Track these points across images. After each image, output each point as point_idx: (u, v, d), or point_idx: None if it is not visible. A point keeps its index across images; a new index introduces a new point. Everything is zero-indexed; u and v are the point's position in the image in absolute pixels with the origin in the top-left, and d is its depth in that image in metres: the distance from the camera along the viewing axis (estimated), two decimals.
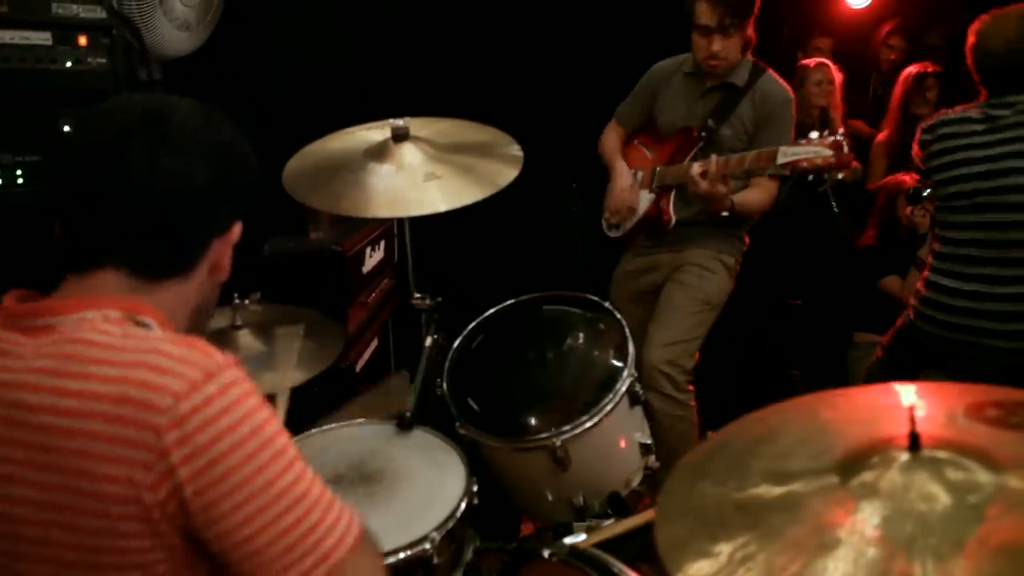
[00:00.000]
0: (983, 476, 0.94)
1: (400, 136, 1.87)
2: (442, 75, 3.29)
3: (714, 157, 2.35)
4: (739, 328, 3.27)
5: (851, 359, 3.63)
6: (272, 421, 0.91)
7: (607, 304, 1.91)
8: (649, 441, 1.83)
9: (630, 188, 2.65)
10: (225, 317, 1.77)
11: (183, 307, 1.03)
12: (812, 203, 3.80)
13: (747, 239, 2.70)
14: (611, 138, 2.79)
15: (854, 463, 1.01)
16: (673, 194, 2.58)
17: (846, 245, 3.79)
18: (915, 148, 2.52)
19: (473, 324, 1.94)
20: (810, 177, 2.25)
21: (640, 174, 2.68)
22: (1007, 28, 2.31)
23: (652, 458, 1.85)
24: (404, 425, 1.74)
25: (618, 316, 1.87)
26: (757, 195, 2.52)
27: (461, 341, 1.91)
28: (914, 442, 0.96)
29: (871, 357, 3.04)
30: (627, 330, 1.82)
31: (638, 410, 1.82)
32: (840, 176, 2.24)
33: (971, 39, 2.40)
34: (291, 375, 1.70)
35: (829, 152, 2.18)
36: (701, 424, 2.55)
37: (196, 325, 1.07)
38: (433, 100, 2.22)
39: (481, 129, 1.98)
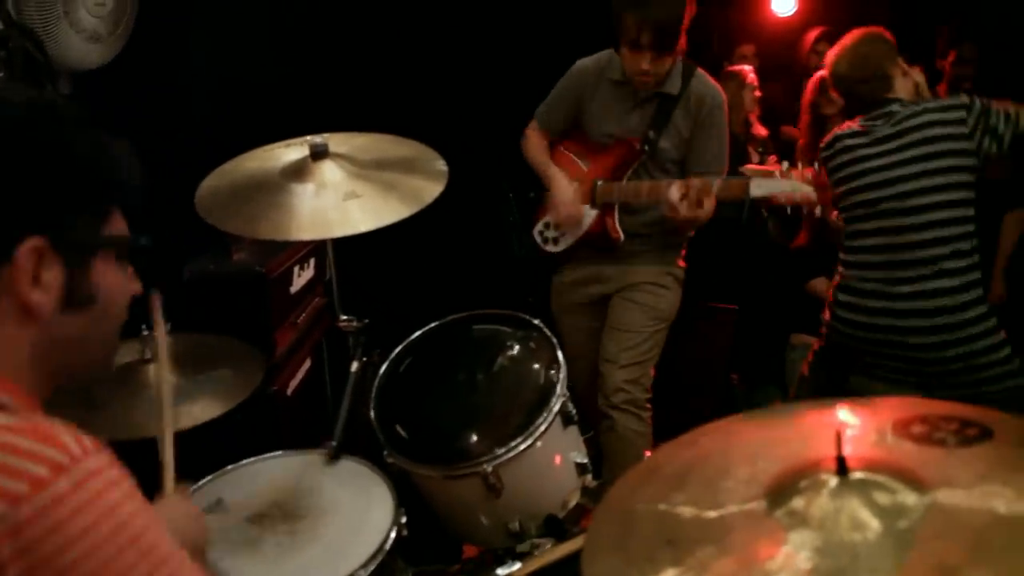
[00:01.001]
0: (911, 498, 0.92)
1: (319, 154, 1.79)
2: (363, 88, 3.19)
3: (695, 183, 2.25)
4: (677, 335, 3.28)
5: (789, 360, 3.69)
6: (141, 515, 0.77)
7: (537, 322, 1.87)
8: (585, 460, 1.79)
9: (574, 201, 2.52)
10: (133, 351, 1.67)
11: (34, 357, 0.85)
12: (743, 208, 3.85)
13: (685, 243, 2.70)
14: (538, 144, 2.65)
15: (784, 489, 0.99)
16: (617, 210, 2.50)
17: (779, 248, 3.85)
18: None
19: (400, 347, 1.88)
20: (788, 211, 2.21)
21: (576, 185, 2.56)
22: (842, 57, 2.51)
23: (589, 477, 1.82)
24: (331, 455, 1.66)
25: (548, 334, 1.83)
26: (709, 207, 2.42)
27: (388, 365, 1.85)
28: (841, 466, 0.94)
29: (806, 360, 3.10)
30: (558, 349, 1.79)
31: (572, 429, 1.78)
32: (818, 211, 2.19)
33: (826, 69, 2.61)
34: (182, 411, 1.58)
35: (810, 190, 2.08)
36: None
37: (74, 371, 0.92)
38: (354, 114, 2.13)
39: (404, 144, 1.91)
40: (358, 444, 1.80)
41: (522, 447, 1.62)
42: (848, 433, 1.07)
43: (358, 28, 3.30)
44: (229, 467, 1.63)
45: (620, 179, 2.48)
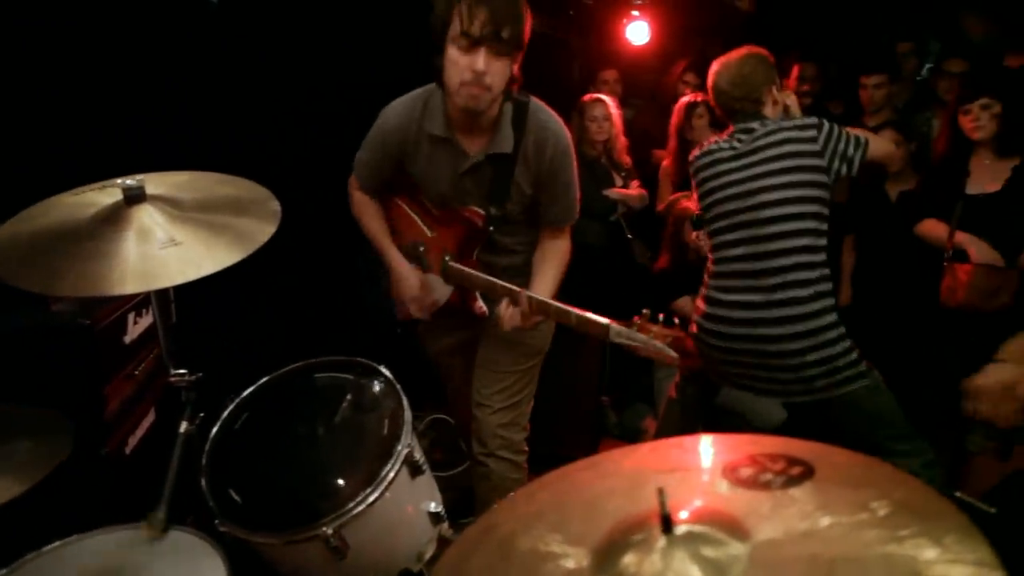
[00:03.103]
0: (736, 548, 0.91)
1: (134, 197, 1.63)
2: (184, 122, 2.86)
3: (525, 300, 2.00)
4: (547, 362, 3.26)
5: (657, 380, 3.76)
6: None
7: (381, 367, 1.77)
8: (439, 509, 1.71)
9: (422, 288, 2.28)
10: None
11: None
12: (607, 232, 3.92)
13: None
14: (369, 211, 2.35)
15: (615, 546, 0.96)
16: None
17: (643, 270, 3.93)
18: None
19: (236, 402, 1.73)
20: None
21: (422, 249, 2.31)
22: (723, 72, 2.61)
23: (445, 526, 1.73)
24: (156, 527, 1.50)
25: (393, 380, 1.74)
26: (556, 272, 2.30)
27: (222, 423, 1.70)
28: (666, 524, 0.91)
29: (673, 380, 3.16)
30: (403, 397, 1.70)
31: (423, 479, 1.70)
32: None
33: (708, 79, 2.69)
34: None
35: (674, 355, 1.79)
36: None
37: None
38: (174, 152, 1.97)
39: (232, 182, 1.78)
40: (195, 512, 1.64)
41: (364, 505, 1.52)
42: (678, 480, 1.06)
43: (175, 53, 2.95)
44: (29, 555, 1.44)
45: (470, 254, 2.26)
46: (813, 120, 2.49)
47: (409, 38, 3.47)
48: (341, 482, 1.58)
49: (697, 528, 0.93)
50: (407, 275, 2.27)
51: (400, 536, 1.65)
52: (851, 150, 2.46)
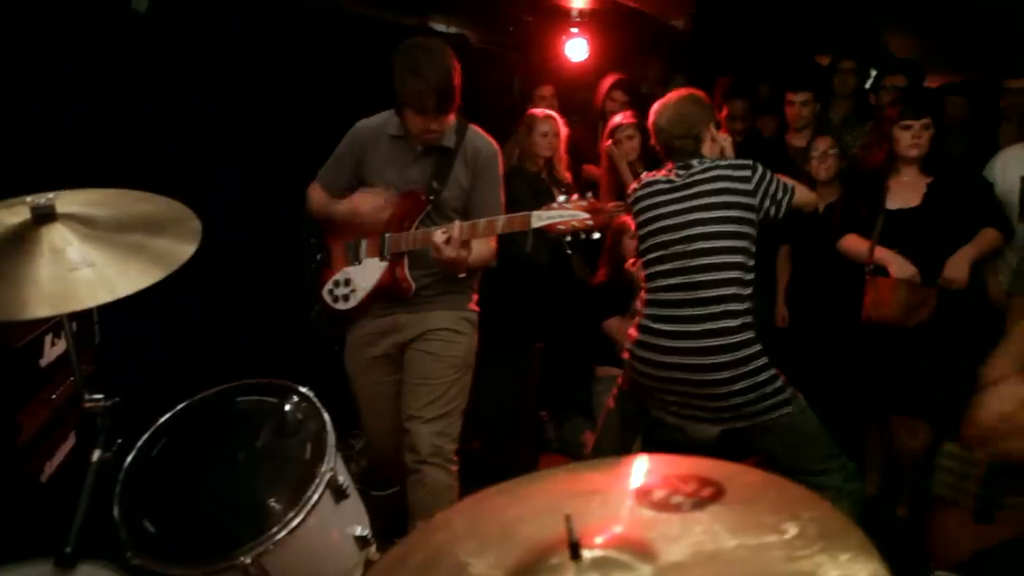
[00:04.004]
0: (643, 572, 0.91)
1: (43, 216, 1.57)
2: (99, 136, 2.76)
3: (458, 223, 2.32)
4: (485, 376, 3.26)
5: (595, 392, 3.77)
6: None
7: (304, 389, 1.74)
8: (366, 533, 1.68)
9: (373, 198, 2.52)
10: None
11: None
12: (547, 248, 3.94)
13: (477, 287, 2.68)
14: (321, 199, 2.63)
15: (527, 573, 0.95)
16: (407, 260, 2.49)
17: (582, 285, 3.96)
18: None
19: (153, 428, 1.68)
20: (568, 238, 2.25)
21: (364, 243, 2.56)
22: (664, 112, 2.73)
23: (373, 549, 1.70)
24: (64, 562, 1.44)
25: (316, 402, 1.71)
26: (483, 248, 2.50)
27: (138, 450, 1.64)
28: (574, 550, 0.91)
29: (611, 393, 3.18)
30: (327, 419, 1.67)
31: (348, 503, 1.67)
32: (596, 235, 2.25)
33: (649, 118, 2.79)
34: None
35: (586, 216, 2.17)
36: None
37: None
38: (86, 168, 1.90)
39: (149, 200, 1.72)
40: (109, 544, 1.58)
41: (285, 531, 1.49)
42: (591, 504, 1.06)
43: (102, 61, 2.85)
44: None
45: (408, 230, 2.48)
46: (748, 162, 2.60)
47: (334, 58, 3.45)
48: (261, 509, 1.54)
49: (606, 553, 0.93)
50: (365, 195, 2.51)
51: (325, 562, 1.62)
52: (780, 194, 2.58)
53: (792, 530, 0.92)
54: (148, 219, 1.68)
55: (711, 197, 2.54)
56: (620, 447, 2.99)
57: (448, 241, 2.26)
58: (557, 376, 3.81)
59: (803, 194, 2.70)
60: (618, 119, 3.89)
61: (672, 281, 2.56)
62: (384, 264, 2.49)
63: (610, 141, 3.88)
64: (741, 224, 2.53)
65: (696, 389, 2.52)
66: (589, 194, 2.20)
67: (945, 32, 5.06)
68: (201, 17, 3.14)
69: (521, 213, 2.29)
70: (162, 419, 1.70)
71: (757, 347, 2.48)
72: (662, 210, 2.61)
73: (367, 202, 2.51)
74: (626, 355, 2.72)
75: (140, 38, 2.89)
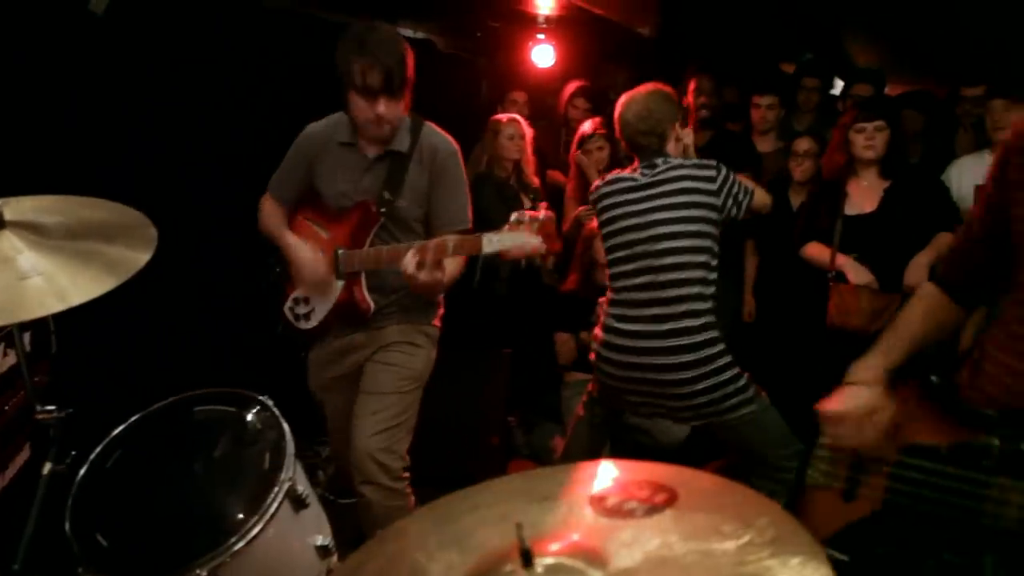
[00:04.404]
0: None
1: None
2: (50, 140, 2.67)
3: (429, 245, 2.12)
4: (454, 382, 3.25)
5: (564, 398, 3.77)
6: None
7: (263, 397, 1.72)
8: (328, 543, 1.66)
9: (318, 265, 2.34)
10: None
11: None
12: (475, 270, 3.91)
13: (442, 302, 2.61)
14: (272, 215, 2.48)
15: None
16: (364, 279, 2.37)
17: (550, 291, 3.96)
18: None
19: (107, 439, 1.64)
20: (523, 263, 2.19)
21: (318, 253, 2.40)
22: (631, 106, 2.71)
23: (335, 559, 1.68)
24: None
25: (275, 411, 1.68)
26: (454, 268, 2.35)
27: (92, 462, 1.60)
28: (526, 558, 0.91)
29: (581, 398, 3.18)
30: (286, 428, 1.65)
31: (308, 512, 1.64)
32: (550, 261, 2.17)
33: (616, 111, 2.77)
34: None
35: (537, 240, 2.02)
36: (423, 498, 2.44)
37: None
38: (36, 174, 1.86)
39: (103, 206, 1.68)
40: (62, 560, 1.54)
41: (243, 542, 1.46)
42: (546, 511, 1.06)
43: (56, 64, 2.76)
44: None
45: (362, 245, 2.34)
46: (712, 162, 2.62)
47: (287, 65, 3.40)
48: (219, 520, 1.51)
49: (558, 560, 0.94)
50: (304, 253, 2.36)
51: (285, 573, 1.59)
52: (742, 195, 2.61)
53: (743, 535, 0.93)
54: (101, 226, 1.64)
55: (676, 197, 2.55)
56: (589, 452, 3.00)
57: (420, 265, 2.10)
58: (526, 381, 3.81)
59: (761, 197, 2.74)
60: (587, 128, 3.90)
61: (636, 281, 2.58)
62: (340, 283, 2.36)
63: (579, 151, 3.90)
64: (705, 224, 2.55)
65: (660, 388, 2.54)
66: (542, 213, 2.05)
67: (905, 42, 5.16)
68: (162, 19, 3.09)
69: (473, 235, 2.13)
70: (116, 430, 1.66)
71: (720, 346, 2.50)
72: (626, 209, 2.62)
73: (307, 263, 2.35)
74: (592, 356, 2.73)
75: (98, 40, 2.84)
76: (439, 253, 2.11)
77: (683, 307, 2.49)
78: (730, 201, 2.58)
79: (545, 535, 0.99)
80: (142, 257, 1.60)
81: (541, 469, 1.17)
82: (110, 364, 2.75)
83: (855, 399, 1.44)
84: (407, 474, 2.36)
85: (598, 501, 1.04)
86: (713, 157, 2.72)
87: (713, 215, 2.57)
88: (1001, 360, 1.32)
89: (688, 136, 2.80)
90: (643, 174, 2.64)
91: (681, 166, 2.61)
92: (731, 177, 2.61)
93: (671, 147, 2.71)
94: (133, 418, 1.69)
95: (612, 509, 1.02)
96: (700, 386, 2.47)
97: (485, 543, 1.01)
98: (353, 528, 2.42)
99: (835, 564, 1.36)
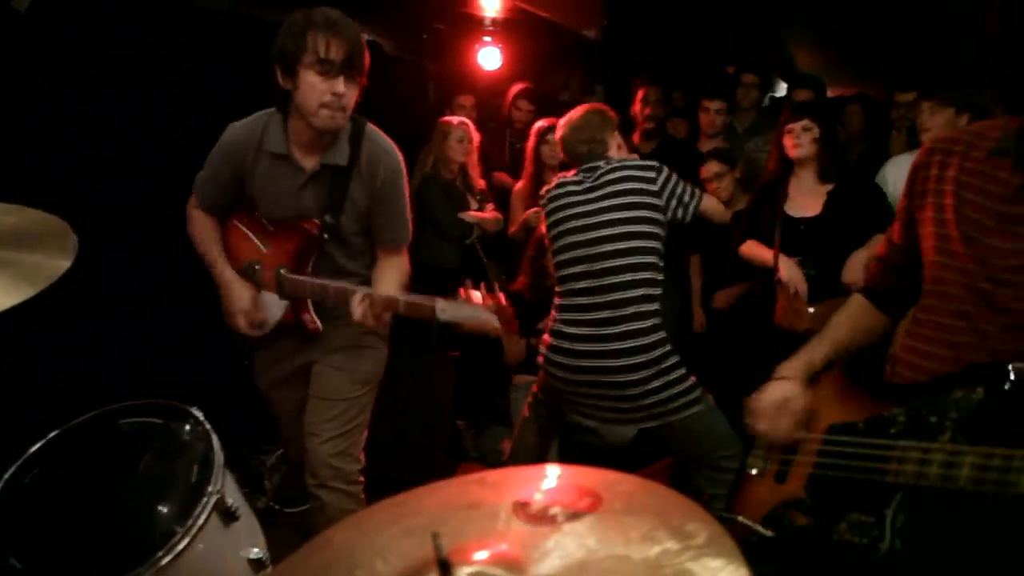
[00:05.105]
0: None
1: None
2: None
3: (378, 298, 2.04)
4: (402, 386, 3.22)
5: (512, 400, 3.77)
6: None
7: (194, 409, 1.67)
8: (262, 555, 1.62)
9: (254, 303, 2.28)
10: None
11: None
12: (462, 256, 3.93)
13: None
14: (203, 228, 2.34)
15: None
16: (310, 302, 2.30)
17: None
18: None
19: (23, 457, 1.57)
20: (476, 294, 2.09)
21: (259, 269, 2.30)
22: (568, 123, 2.77)
23: (269, 571, 1.64)
24: None
25: (204, 422, 1.64)
26: (397, 279, 2.31)
27: (7, 481, 1.53)
28: (444, 569, 0.90)
29: (527, 399, 3.18)
30: (214, 439, 1.60)
31: (240, 525, 1.60)
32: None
33: (556, 133, 2.84)
34: None
35: (494, 319, 1.89)
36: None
37: None
38: None
39: (18, 212, 1.61)
40: None
41: (169, 557, 1.42)
42: (471, 519, 1.05)
43: None
44: None
45: (305, 266, 2.26)
46: (654, 163, 2.64)
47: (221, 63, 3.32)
48: (145, 535, 1.46)
49: (477, 569, 0.93)
50: (236, 288, 2.28)
51: None
52: (687, 197, 2.63)
53: (663, 538, 0.93)
54: (17, 233, 1.58)
55: (620, 198, 2.57)
56: (536, 454, 3.00)
57: (365, 316, 2.03)
58: (475, 385, 3.79)
59: (711, 203, 2.76)
60: (543, 123, 3.92)
61: (582, 284, 2.59)
62: (285, 303, 2.28)
63: (536, 146, 3.90)
64: (649, 224, 2.56)
65: (609, 391, 2.55)
66: (496, 289, 1.95)
67: (844, 47, 5.30)
68: (89, 17, 3.00)
69: (426, 301, 1.99)
70: (34, 447, 1.59)
71: (668, 347, 2.52)
72: (571, 211, 2.63)
73: (236, 296, 2.27)
74: (540, 359, 2.74)
75: (19, 38, 2.74)
76: (388, 308, 2.05)
77: (631, 309, 2.50)
78: (674, 202, 2.60)
79: (468, 543, 0.98)
80: (62, 264, 1.55)
81: (467, 476, 1.16)
82: (31, 377, 2.64)
83: (774, 392, 1.54)
84: (362, 478, 2.36)
85: (522, 507, 1.04)
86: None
87: (658, 216, 2.58)
88: (908, 344, 1.45)
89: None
90: (586, 176, 2.66)
91: (624, 166, 2.63)
92: (674, 178, 2.63)
93: (613, 152, 2.74)
94: (52, 433, 1.62)
95: (535, 515, 1.02)
96: (651, 386, 2.49)
97: (408, 554, 1.00)
98: (298, 539, 2.37)
99: (763, 540, 1.46)
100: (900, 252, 1.54)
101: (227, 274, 2.29)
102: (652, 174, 2.60)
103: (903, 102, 3.67)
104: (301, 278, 2.23)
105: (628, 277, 2.52)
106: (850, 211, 3.03)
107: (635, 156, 2.86)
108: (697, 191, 2.68)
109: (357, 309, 2.03)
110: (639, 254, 2.54)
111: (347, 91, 2.03)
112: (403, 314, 2.03)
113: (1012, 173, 1.28)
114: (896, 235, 1.55)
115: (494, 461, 3.68)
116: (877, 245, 3.04)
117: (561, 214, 2.66)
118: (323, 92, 2.00)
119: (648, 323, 2.51)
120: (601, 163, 2.66)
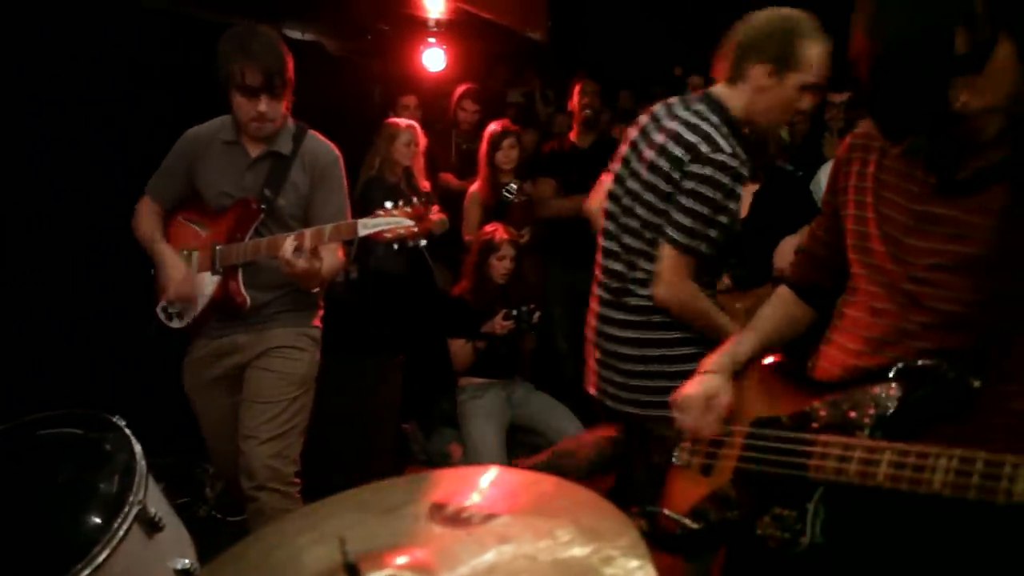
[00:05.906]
0: None
1: None
2: None
3: (307, 232, 2.20)
4: (345, 392, 3.20)
5: (459, 403, 3.76)
6: None
7: (116, 418, 1.64)
8: (191, 566, 1.59)
9: (186, 275, 2.38)
10: None
11: None
12: (409, 259, 3.90)
13: (322, 303, 2.58)
14: (147, 219, 2.46)
15: None
16: (241, 273, 2.37)
17: (442, 296, 3.94)
18: None
19: None
20: (396, 246, 2.20)
21: (196, 254, 2.42)
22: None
23: None
24: None
25: (127, 432, 1.60)
26: (333, 259, 2.41)
27: None
28: (352, 574, 0.90)
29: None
30: (136, 448, 1.57)
31: (165, 535, 1.56)
32: (423, 242, 2.21)
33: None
34: None
35: (410, 223, 2.12)
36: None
37: None
38: None
39: None
40: None
41: (88, 570, 1.38)
42: (384, 523, 1.05)
43: None
44: None
45: (242, 240, 2.35)
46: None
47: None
48: (63, 549, 1.42)
49: (388, 574, 0.93)
50: (170, 259, 2.39)
51: None
52: None
53: (568, 534, 0.95)
54: None
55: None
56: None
57: (298, 250, 2.16)
58: (421, 387, 3.78)
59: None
60: (496, 127, 3.92)
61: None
62: (217, 278, 2.37)
63: (490, 151, 3.91)
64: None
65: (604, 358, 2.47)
66: (415, 199, 2.16)
67: None
68: (32, 16, 2.93)
69: (348, 221, 2.24)
70: None
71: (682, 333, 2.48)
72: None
73: (170, 267, 2.38)
74: None
75: None
76: (316, 239, 2.19)
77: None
78: None
79: (380, 549, 0.98)
80: None
81: (383, 481, 1.16)
82: None
83: (698, 386, 1.54)
84: (298, 479, 2.38)
85: (437, 510, 1.04)
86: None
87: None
88: (833, 339, 1.46)
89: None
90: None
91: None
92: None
93: None
94: None
95: (448, 518, 1.02)
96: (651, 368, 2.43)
97: (319, 561, 0.99)
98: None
99: (690, 532, 1.48)
100: (824, 246, 1.54)
101: (163, 248, 2.42)
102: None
103: (837, 103, 3.77)
104: (233, 245, 2.35)
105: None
106: (777, 211, 3.09)
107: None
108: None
109: (288, 247, 2.15)
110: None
111: (270, 108, 2.25)
112: (329, 240, 2.21)
113: (926, 172, 1.29)
114: (820, 228, 1.55)
115: (442, 464, 3.67)
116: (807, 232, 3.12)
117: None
118: (248, 111, 2.25)
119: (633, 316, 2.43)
120: None
